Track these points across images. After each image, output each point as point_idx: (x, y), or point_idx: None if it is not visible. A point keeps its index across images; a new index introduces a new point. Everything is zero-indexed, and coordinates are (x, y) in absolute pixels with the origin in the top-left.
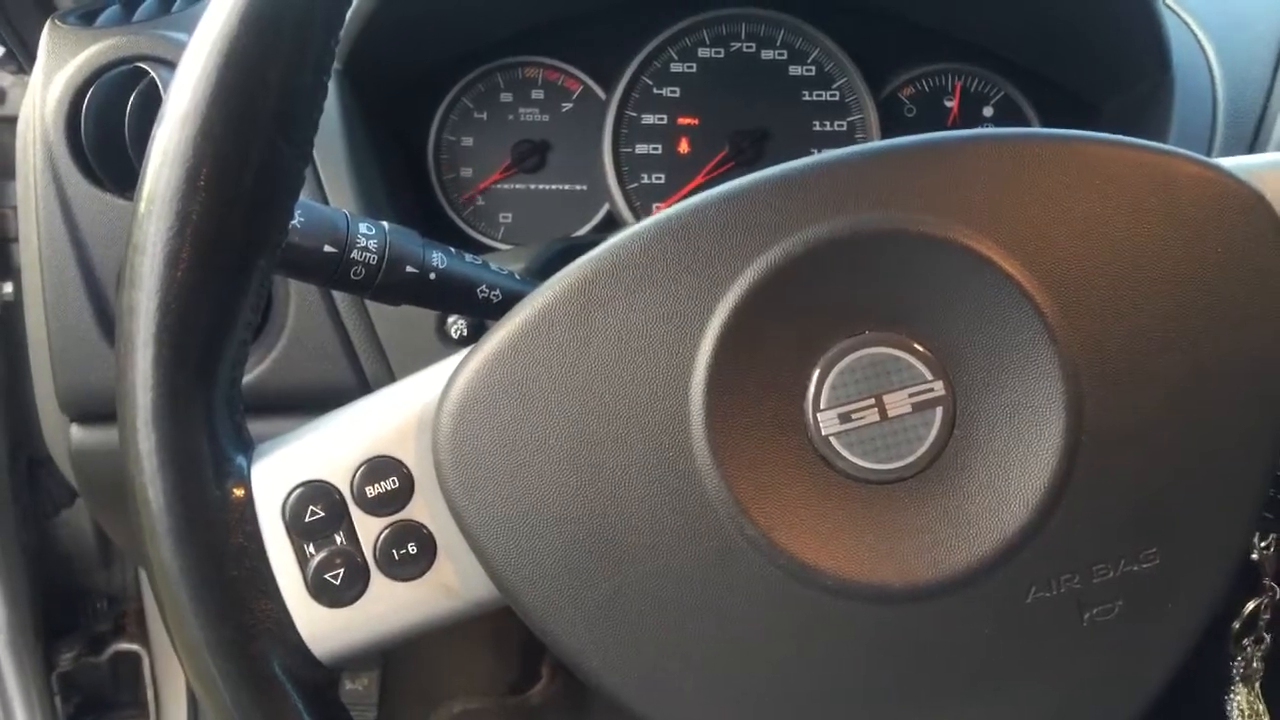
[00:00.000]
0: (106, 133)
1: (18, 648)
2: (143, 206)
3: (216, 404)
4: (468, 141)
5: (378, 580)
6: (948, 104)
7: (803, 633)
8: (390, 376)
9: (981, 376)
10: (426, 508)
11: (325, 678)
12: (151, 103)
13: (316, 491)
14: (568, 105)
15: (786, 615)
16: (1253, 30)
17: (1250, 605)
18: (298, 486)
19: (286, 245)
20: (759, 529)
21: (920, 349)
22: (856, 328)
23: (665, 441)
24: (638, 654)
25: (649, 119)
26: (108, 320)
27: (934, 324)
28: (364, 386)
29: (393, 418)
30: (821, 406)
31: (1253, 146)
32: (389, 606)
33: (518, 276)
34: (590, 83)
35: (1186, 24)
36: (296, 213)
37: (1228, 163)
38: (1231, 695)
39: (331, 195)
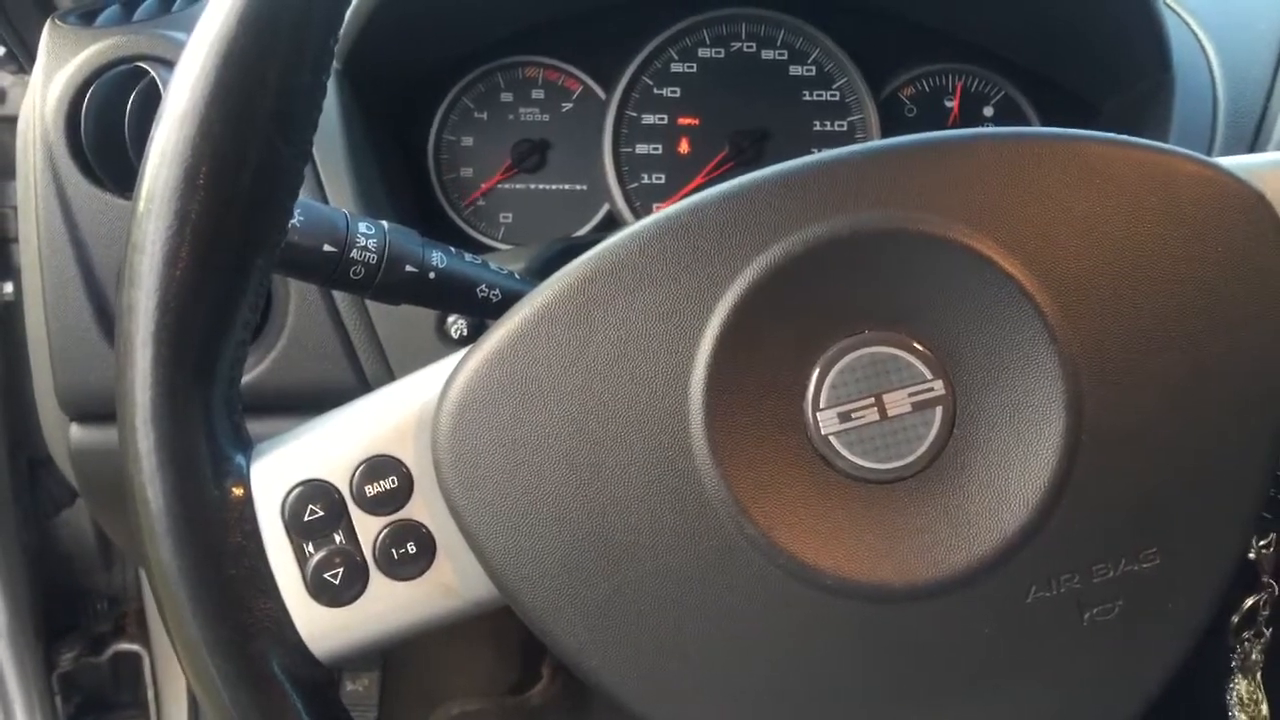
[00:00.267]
0: (106, 132)
1: (18, 648)
2: (141, 205)
3: (215, 403)
4: (468, 141)
5: (377, 580)
6: (948, 104)
7: (802, 632)
8: (390, 376)
9: (981, 376)
10: (426, 507)
11: (324, 677)
12: (151, 102)
13: (316, 491)
14: (568, 105)
15: (786, 614)
16: (1253, 30)
17: (1249, 601)
18: (297, 486)
19: (286, 244)
20: (758, 528)
21: (920, 348)
22: (856, 327)
23: (665, 440)
24: (637, 653)
25: (649, 119)
26: (107, 320)
27: (934, 323)
28: (364, 386)
29: (392, 417)
30: (821, 406)
31: (1253, 146)
32: (388, 606)
33: (518, 276)
34: (590, 83)
35: (1187, 23)
36: (296, 212)
37: (1228, 162)
38: (1231, 685)
39: (331, 195)
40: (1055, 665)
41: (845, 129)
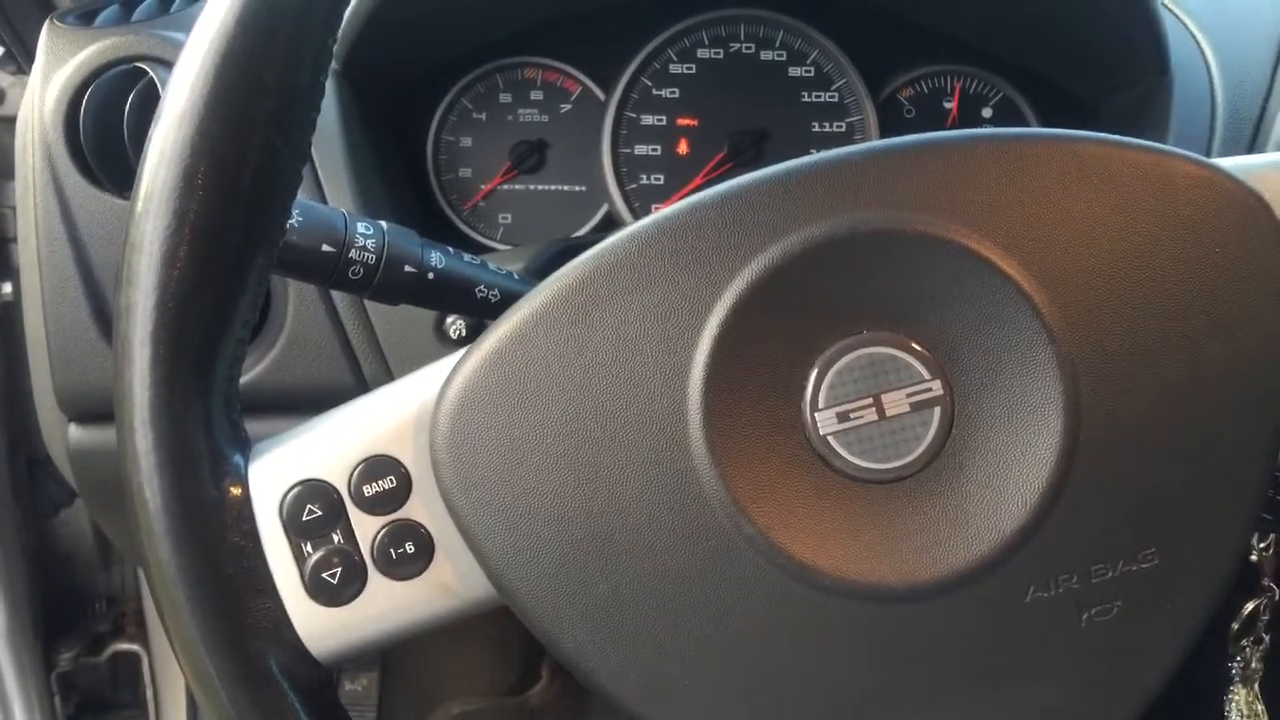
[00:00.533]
0: (105, 132)
1: (17, 648)
2: (140, 205)
3: (214, 403)
4: (467, 142)
5: (375, 579)
6: (947, 105)
7: (800, 632)
8: (389, 376)
9: (979, 376)
10: (424, 507)
11: (323, 677)
12: (150, 102)
13: (314, 490)
14: (567, 106)
15: (784, 615)
16: (1251, 31)
17: (1249, 606)
18: (295, 485)
19: (284, 244)
20: (757, 528)
21: (918, 348)
22: (854, 327)
23: (663, 441)
24: (635, 653)
25: (648, 120)
26: (106, 320)
27: (932, 323)
28: (362, 386)
29: (390, 417)
30: (819, 406)
31: (1251, 147)
32: (387, 606)
33: (516, 276)
34: (589, 83)
35: (1185, 25)
36: (295, 212)
37: (1226, 163)
38: (1230, 695)
39: (330, 195)
40: (1053, 665)
41: (844, 130)
